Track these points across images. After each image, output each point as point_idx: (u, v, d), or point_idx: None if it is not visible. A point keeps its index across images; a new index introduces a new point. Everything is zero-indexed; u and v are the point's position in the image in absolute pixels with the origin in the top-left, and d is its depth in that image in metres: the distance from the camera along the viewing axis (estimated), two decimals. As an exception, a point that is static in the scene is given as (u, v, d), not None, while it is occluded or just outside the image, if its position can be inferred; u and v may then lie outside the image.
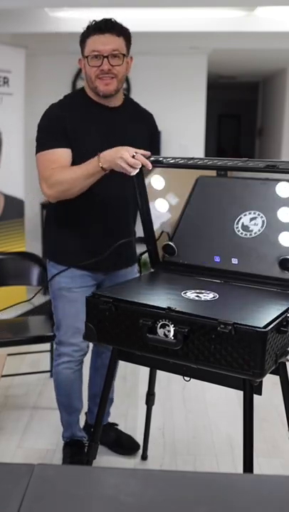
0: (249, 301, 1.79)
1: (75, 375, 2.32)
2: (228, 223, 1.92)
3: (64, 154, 2.06)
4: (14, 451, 2.55)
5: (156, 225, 2.05)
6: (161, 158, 1.91)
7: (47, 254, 2.32)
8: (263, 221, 1.87)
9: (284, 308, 1.65)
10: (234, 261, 1.95)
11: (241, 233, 1.91)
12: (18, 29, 4.21)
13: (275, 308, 1.66)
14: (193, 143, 5.20)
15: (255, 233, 1.89)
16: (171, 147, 5.06)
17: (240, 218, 1.91)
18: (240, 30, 4.24)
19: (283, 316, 1.60)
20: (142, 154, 1.88)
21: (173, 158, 1.92)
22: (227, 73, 6.92)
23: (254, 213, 1.89)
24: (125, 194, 2.16)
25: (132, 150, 1.88)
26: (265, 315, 1.61)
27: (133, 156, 1.85)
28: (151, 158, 1.91)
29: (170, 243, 2.06)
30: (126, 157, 1.86)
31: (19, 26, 4.16)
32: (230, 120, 10.04)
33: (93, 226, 2.17)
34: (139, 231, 2.21)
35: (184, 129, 5.21)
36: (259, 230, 1.88)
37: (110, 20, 2.05)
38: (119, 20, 2.06)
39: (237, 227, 1.91)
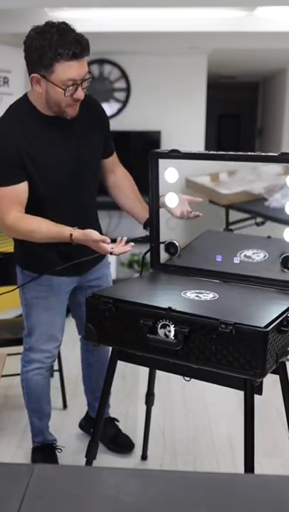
0: (249, 300, 1.79)
1: (45, 381, 2.31)
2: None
3: (22, 190, 1.93)
4: (14, 451, 2.55)
5: (161, 220, 2.06)
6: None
7: (19, 263, 2.21)
8: (265, 255, 1.93)
9: (284, 307, 1.65)
10: (236, 260, 1.95)
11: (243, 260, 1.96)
12: (18, 29, 4.19)
13: (275, 307, 1.66)
14: (193, 143, 5.19)
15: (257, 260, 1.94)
16: (171, 147, 5.04)
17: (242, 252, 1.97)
18: (240, 30, 4.23)
19: (284, 316, 1.60)
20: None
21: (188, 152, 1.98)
22: (227, 73, 6.91)
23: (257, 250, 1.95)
24: (90, 194, 2.15)
25: (108, 249, 1.86)
26: (265, 315, 1.61)
27: (111, 253, 1.88)
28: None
29: (174, 241, 2.05)
30: (94, 246, 1.88)
31: (19, 26, 4.15)
32: (230, 120, 10.03)
33: None
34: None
35: (184, 129, 5.20)
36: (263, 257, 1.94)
37: (81, 39, 1.81)
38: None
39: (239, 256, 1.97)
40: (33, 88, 1.93)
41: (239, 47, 4.81)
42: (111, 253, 1.88)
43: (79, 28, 2.03)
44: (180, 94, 5.17)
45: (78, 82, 1.86)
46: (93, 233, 1.87)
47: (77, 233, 1.89)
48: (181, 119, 5.17)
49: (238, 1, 3.73)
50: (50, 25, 1.82)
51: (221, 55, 5.23)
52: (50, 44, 1.78)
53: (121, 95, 5.15)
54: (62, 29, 1.80)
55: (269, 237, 1.95)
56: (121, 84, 5.13)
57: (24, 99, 2.00)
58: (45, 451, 2.41)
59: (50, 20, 1.85)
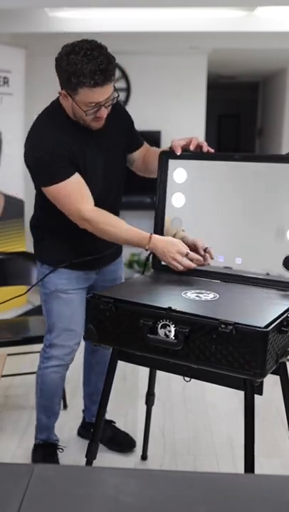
0: (249, 301, 1.79)
1: (60, 379, 2.32)
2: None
3: (81, 179, 1.99)
4: (14, 451, 2.55)
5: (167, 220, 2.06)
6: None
7: (40, 257, 2.23)
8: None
9: (284, 308, 1.65)
10: (238, 261, 1.95)
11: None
12: (18, 29, 4.21)
13: (275, 308, 1.66)
14: (194, 143, 5.19)
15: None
16: (171, 147, 5.04)
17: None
18: (240, 30, 4.24)
19: (284, 316, 1.60)
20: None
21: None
22: (227, 73, 6.92)
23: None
24: (113, 190, 2.16)
25: (184, 250, 1.92)
26: (265, 315, 1.60)
27: (187, 254, 1.93)
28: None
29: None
30: (179, 260, 1.92)
31: (19, 26, 4.16)
32: (230, 120, 10.03)
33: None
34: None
35: (184, 129, 5.20)
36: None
37: (105, 67, 1.84)
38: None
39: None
40: (61, 100, 2.00)
41: (239, 47, 4.82)
42: (187, 254, 1.93)
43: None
44: (180, 94, 5.17)
45: (102, 103, 1.91)
46: (181, 244, 1.94)
47: (156, 239, 1.94)
48: (181, 119, 5.17)
49: (238, 1, 3.73)
50: (79, 47, 1.84)
51: (221, 55, 5.24)
52: (75, 71, 1.83)
53: (121, 95, 5.15)
54: (89, 55, 1.82)
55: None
56: (121, 84, 5.13)
57: (57, 104, 2.04)
58: (46, 449, 2.41)
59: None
